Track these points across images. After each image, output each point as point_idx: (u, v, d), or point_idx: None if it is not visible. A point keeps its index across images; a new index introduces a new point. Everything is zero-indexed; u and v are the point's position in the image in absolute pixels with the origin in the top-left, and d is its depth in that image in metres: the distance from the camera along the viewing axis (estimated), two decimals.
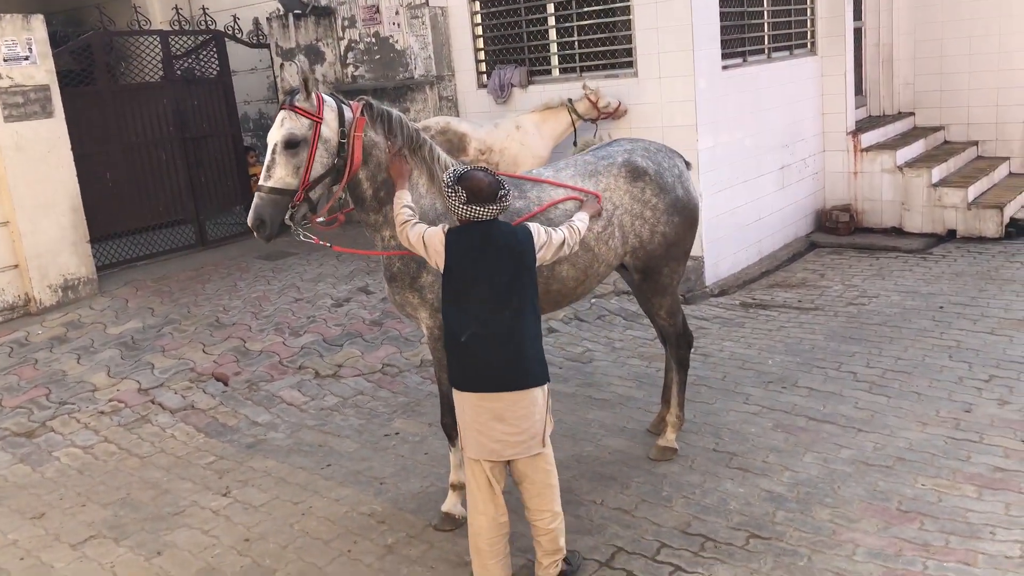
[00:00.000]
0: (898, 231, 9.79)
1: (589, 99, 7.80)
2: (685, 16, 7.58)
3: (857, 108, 10.88)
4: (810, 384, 5.74)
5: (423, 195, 4.04)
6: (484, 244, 3.48)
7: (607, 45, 8.22)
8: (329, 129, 3.77)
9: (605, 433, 5.20)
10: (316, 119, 3.73)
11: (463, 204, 3.43)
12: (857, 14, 10.66)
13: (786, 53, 9.42)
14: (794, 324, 7.03)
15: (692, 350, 5.03)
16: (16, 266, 7.29)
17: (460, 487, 4.31)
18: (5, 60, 6.96)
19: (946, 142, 11.13)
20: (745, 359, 6.29)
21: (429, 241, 3.58)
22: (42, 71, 7.22)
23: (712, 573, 3.77)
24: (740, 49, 8.61)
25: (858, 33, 10.85)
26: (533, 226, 3.65)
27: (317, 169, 3.77)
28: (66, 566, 4.20)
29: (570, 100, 7.85)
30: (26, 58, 7.08)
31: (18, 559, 4.28)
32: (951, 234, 9.50)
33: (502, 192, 3.48)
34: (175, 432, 5.68)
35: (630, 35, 8.02)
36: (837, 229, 9.99)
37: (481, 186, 3.43)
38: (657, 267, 4.49)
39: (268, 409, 5.94)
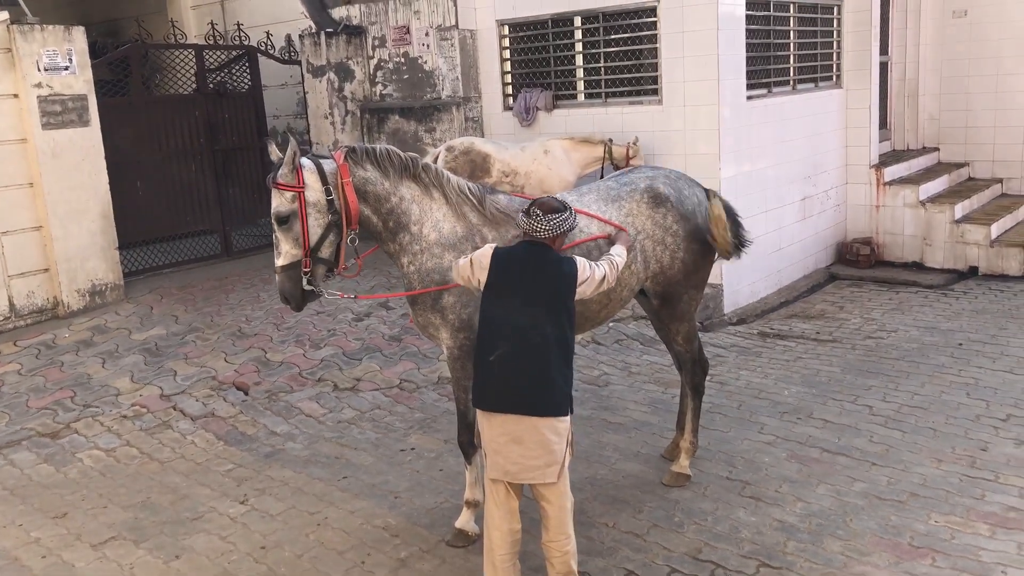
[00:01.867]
0: (919, 266, 9.79)
1: (628, 150, 7.83)
2: (711, 46, 7.67)
3: (881, 142, 10.92)
4: (825, 416, 5.75)
5: (440, 220, 4.12)
6: (528, 266, 3.57)
7: (633, 72, 8.32)
8: (314, 192, 3.90)
9: (619, 457, 5.24)
10: (298, 190, 3.86)
11: (525, 217, 3.63)
12: (883, 49, 10.72)
13: (811, 85, 9.49)
14: (811, 355, 7.04)
15: (708, 377, 5.07)
16: (47, 270, 7.45)
17: (474, 504, 4.36)
18: (46, 70, 7.15)
19: (970, 179, 11.13)
20: (761, 388, 6.31)
21: (477, 259, 3.68)
22: (81, 81, 7.41)
23: None
24: (765, 80, 8.69)
25: (884, 67, 10.91)
26: (580, 260, 3.71)
27: (315, 232, 3.92)
28: (87, 565, 4.28)
29: (611, 140, 7.92)
30: (66, 68, 7.27)
31: (40, 557, 4.37)
32: (973, 271, 9.48)
33: (559, 215, 3.60)
34: (195, 439, 5.77)
35: (656, 63, 8.12)
36: (857, 262, 10.00)
37: (549, 204, 3.65)
38: (676, 293, 4.55)
39: (287, 419, 6.02)
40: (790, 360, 6.94)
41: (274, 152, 4.08)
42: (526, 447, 3.51)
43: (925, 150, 11.33)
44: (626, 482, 4.92)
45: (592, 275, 3.73)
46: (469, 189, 4.19)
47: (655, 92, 8.21)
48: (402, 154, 4.15)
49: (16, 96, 7.13)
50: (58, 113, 7.26)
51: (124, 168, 8.33)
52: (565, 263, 3.65)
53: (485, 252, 3.67)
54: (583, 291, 3.71)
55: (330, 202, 3.93)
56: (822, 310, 8.51)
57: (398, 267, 4.26)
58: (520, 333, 3.51)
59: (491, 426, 3.57)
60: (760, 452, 5.24)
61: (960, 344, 7.11)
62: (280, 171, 3.88)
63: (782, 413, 5.83)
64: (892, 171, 10.18)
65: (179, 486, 5.13)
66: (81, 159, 7.47)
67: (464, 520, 4.36)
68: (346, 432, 5.83)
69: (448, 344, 4.23)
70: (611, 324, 7.59)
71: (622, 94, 8.47)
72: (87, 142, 7.49)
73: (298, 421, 6.00)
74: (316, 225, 3.91)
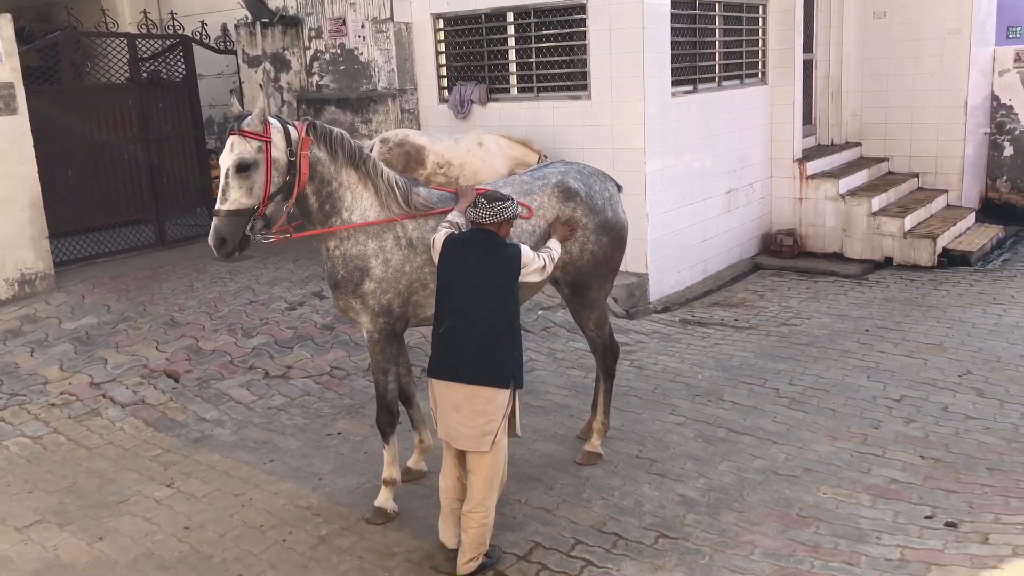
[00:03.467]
0: (839, 256, 10.23)
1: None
2: (637, 44, 7.94)
3: (806, 137, 11.34)
4: (734, 398, 6.08)
5: (368, 207, 4.31)
6: (475, 249, 3.98)
7: (564, 68, 8.56)
8: (278, 150, 4.04)
9: (536, 438, 5.48)
10: (265, 140, 3.98)
11: (471, 208, 4.05)
12: (808, 47, 11.13)
13: (737, 82, 9.84)
14: (728, 342, 7.38)
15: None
16: None
17: (392, 483, 4.57)
18: None
19: (890, 173, 11.62)
20: (677, 373, 6.62)
21: (435, 242, 4.16)
22: (7, 69, 7.37)
23: (620, 568, 4.06)
24: (692, 77, 8.99)
25: (810, 65, 11.33)
26: (524, 246, 4.11)
27: (271, 187, 4.02)
28: (11, 548, 4.38)
29: (545, 156, 8.20)
30: None
31: None
32: (888, 261, 9.95)
33: (501, 203, 3.98)
34: (124, 425, 5.86)
35: (585, 59, 8.36)
36: (781, 252, 10.41)
37: (493, 194, 4.08)
38: (586, 283, 4.80)
39: (217, 406, 6.14)
40: (707, 346, 7.27)
41: (235, 106, 4.28)
42: (463, 415, 3.87)
43: (848, 145, 11.78)
44: (541, 461, 5.17)
45: (533, 262, 4.10)
46: (397, 183, 4.39)
47: (585, 88, 8.46)
48: (352, 142, 4.34)
49: None
50: None
51: (55, 157, 8.29)
52: (509, 248, 4.02)
53: (440, 236, 4.11)
54: (524, 274, 4.06)
55: (290, 164, 4.08)
56: (743, 298, 8.87)
57: (322, 250, 4.40)
58: (465, 309, 3.90)
59: (438, 392, 3.99)
60: (670, 432, 5.54)
61: (867, 330, 7.52)
62: (248, 120, 4.00)
63: (694, 396, 6.14)
64: (815, 165, 10.60)
65: (106, 471, 5.23)
66: (8, 147, 7.44)
67: (383, 498, 4.57)
68: (275, 418, 5.98)
69: (368, 328, 4.43)
70: (540, 312, 7.83)
71: (554, 89, 8.70)
72: (14, 130, 7.46)
73: (228, 408, 6.13)
74: (273, 181, 4.04)
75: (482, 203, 4.00)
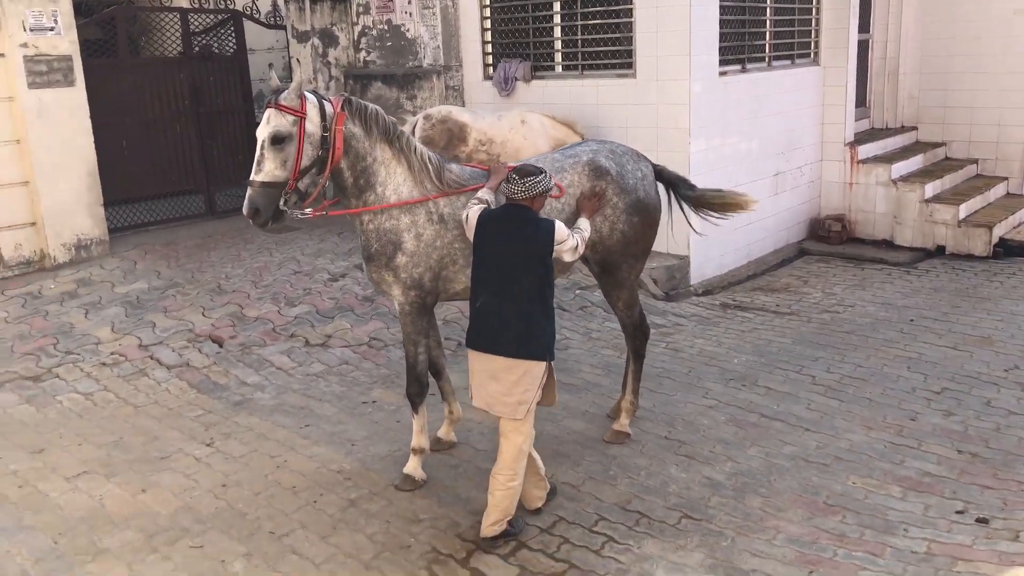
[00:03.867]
0: (889, 244, 10.01)
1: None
2: (684, 22, 7.84)
3: (860, 120, 11.09)
4: (769, 384, 6.03)
5: (401, 183, 4.38)
6: (508, 224, 4.02)
7: (609, 46, 8.50)
8: (312, 124, 4.12)
9: (567, 415, 5.53)
10: (300, 115, 4.07)
11: (505, 183, 4.09)
12: (864, 26, 10.84)
13: (787, 62, 9.65)
14: (767, 327, 7.32)
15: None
16: (33, 224, 7.71)
17: (420, 451, 4.68)
18: (31, 30, 7.35)
19: (947, 158, 11.30)
20: (712, 356, 6.59)
21: (468, 218, 4.18)
22: (66, 42, 7.60)
23: (641, 546, 4.10)
24: (740, 56, 8.85)
25: (865, 45, 11.05)
26: (558, 223, 4.12)
27: (304, 161, 4.11)
28: (60, 495, 4.60)
29: (583, 137, 8.17)
30: (51, 29, 7.47)
31: (17, 487, 4.69)
32: (940, 250, 9.70)
33: (533, 178, 4.00)
34: (169, 386, 6.07)
35: (631, 37, 8.29)
36: (829, 238, 10.23)
37: (525, 169, 4.08)
38: (615, 262, 4.81)
39: (258, 371, 6.31)
40: (745, 331, 7.21)
41: (273, 80, 4.39)
42: (501, 385, 3.98)
43: (903, 129, 11.49)
44: (570, 438, 5.22)
45: (567, 240, 4.12)
46: (430, 159, 4.44)
47: (630, 66, 8.39)
48: (387, 117, 4.40)
49: (3, 55, 7.33)
50: (44, 73, 7.47)
51: (110, 128, 8.54)
52: (543, 223, 4.03)
53: (473, 212, 4.14)
54: (558, 251, 4.09)
55: (323, 138, 4.16)
56: (787, 284, 8.77)
57: (357, 224, 4.48)
58: (501, 284, 3.97)
59: (475, 362, 4.08)
60: (701, 415, 5.53)
61: (911, 320, 7.38)
62: (285, 95, 4.10)
63: (728, 380, 6.11)
64: (867, 149, 10.37)
65: (151, 429, 5.44)
66: (67, 118, 7.69)
67: (411, 466, 4.67)
68: (313, 385, 6.13)
69: (400, 300, 4.51)
70: (577, 292, 7.85)
71: (598, 67, 8.65)
72: (72, 102, 7.70)
73: (268, 373, 6.30)
74: (307, 155, 4.13)
75: (514, 178, 4.03)
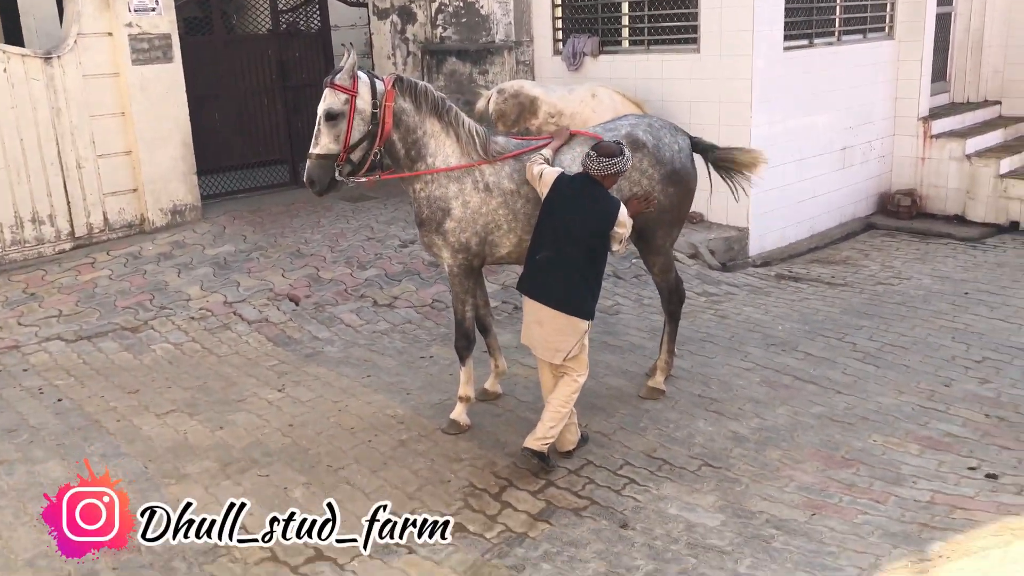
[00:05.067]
0: (960, 219, 9.89)
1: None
2: None
3: (939, 94, 10.90)
4: (809, 349, 6.23)
5: (450, 154, 4.78)
6: (579, 194, 4.39)
7: (675, 21, 8.67)
8: (363, 101, 4.55)
9: (608, 373, 5.88)
10: (352, 94, 4.50)
11: (586, 156, 4.43)
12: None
13: (859, 36, 9.59)
14: (817, 297, 7.45)
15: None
16: (135, 190, 8.49)
17: (466, 400, 5.12)
18: (135, 11, 8.06)
19: None
20: (757, 323, 6.80)
21: (545, 177, 4.54)
22: (165, 21, 8.30)
23: (660, 487, 4.45)
24: (807, 32, 8.88)
25: (947, 18, 10.81)
26: (623, 208, 4.47)
27: (355, 136, 4.57)
28: (150, 429, 5.25)
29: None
30: (152, 9, 8.17)
31: (115, 421, 5.37)
32: (1014, 226, 9.54)
33: (609, 159, 4.35)
34: (249, 339, 6.71)
35: (696, 12, 8.45)
36: (898, 213, 10.17)
37: (607, 147, 4.42)
38: (651, 229, 5.11)
39: (329, 328, 6.89)
40: (795, 300, 7.38)
41: (350, 58, 4.74)
42: (545, 331, 4.45)
43: (986, 103, 11.22)
44: (608, 393, 5.57)
45: (626, 226, 4.44)
46: (476, 132, 4.84)
47: (694, 41, 8.55)
48: (436, 93, 4.80)
49: (110, 35, 8.07)
50: (146, 50, 8.19)
51: (204, 101, 9.24)
52: (612, 202, 4.41)
53: (551, 172, 4.54)
54: (616, 234, 4.42)
55: (373, 115, 4.59)
56: (846, 257, 8.82)
57: (410, 192, 4.93)
58: (560, 246, 4.39)
59: (528, 307, 4.54)
60: (736, 376, 5.80)
61: (966, 293, 7.38)
62: (339, 75, 4.54)
63: (769, 345, 6.33)
64: (941, 124, 10.22)
65: (230, 375, 6.07)
66: (165, 92, 8.40)
67: (457, 412, 5.12)
68: (377, 341, 6.66)
69: (449, 263, 4.94)
70: (633, 260, 8.13)
71: (663, 42, 8.84)
72: (171, 77, 8.41)
73: (338, 329, 6.86)
74: (357, 130, 4.57)
75: (593, 155, 4.39)
